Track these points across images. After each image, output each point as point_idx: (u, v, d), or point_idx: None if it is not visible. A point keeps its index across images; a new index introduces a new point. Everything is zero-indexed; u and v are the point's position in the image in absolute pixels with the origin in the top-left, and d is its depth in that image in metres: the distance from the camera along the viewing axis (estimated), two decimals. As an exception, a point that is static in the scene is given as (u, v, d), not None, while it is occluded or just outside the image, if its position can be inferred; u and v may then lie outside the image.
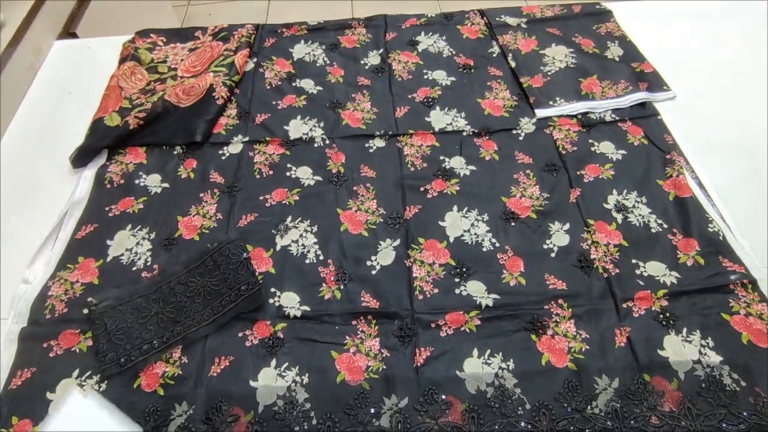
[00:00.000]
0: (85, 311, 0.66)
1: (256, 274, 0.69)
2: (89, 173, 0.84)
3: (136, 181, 0.82)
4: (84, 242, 0.75)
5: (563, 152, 0.84)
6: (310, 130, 0.89)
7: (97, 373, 0.62)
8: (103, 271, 0.71)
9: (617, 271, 0.69)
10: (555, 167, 0.82)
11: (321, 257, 0.72)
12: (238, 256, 0.69)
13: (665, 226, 0.74)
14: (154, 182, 0.82)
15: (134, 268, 0.72)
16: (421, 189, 0.80)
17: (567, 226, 0.74)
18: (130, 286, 0.69)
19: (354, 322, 0.66)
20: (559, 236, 0.73)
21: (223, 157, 0.85)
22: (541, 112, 0.90)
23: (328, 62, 1.01)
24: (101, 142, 0.86)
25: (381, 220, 0.76)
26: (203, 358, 0.63)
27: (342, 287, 0.69)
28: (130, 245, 0.74)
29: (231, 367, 0.62)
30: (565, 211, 0.76)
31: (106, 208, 0.79)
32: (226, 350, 0.64)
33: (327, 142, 0.87)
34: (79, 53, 1.07)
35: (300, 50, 1.04)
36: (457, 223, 0.75)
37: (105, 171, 0.84)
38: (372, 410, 0.58)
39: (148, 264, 0.72)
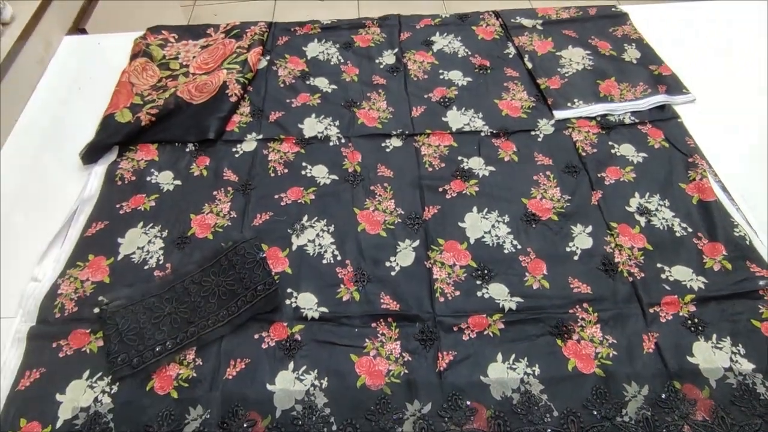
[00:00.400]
0: (96, 310, 0.64)
1: (273, 274, 0.67)
2: (100, 170, 0.82)
3: (148, 178, 0.81)
4: (94, 240, 0.73)
5: (583, 154, 0.82)
6: (326, 128, 0.87)
7: (108, 375, 0.59)
8: (114, 270, 0.69)
9: (642, 275, 0.68)
10: (575, 169, 0.80)
11: (338, 257, 0.70)
12: (254, 255, 0.67)
13: (690, 230, 0.72)
14: (166, 179, 0.81)
15: (146, 267, 0.70)
16: (440, 189, 0.78)
17: (589, 228, 0.73)
18: (143, 285, 0.67)
19: (373, 325, 0.64)
20: (581, 239, 0.72)
21: (237, 155, 0.84)
22: (559, 114, 0.88)
23: (342, 61, 1.00)
24: (112, 138, 0.84)
25: (399, 220, 0.74)
26: (218, 360, 0.61)
27: (361, 288, 0.67)
28: (141, 243, 0.72)
29: (247, 369, 0.60)
30: (586, 213, 0.75)
31: (117, 206, 0.77)
32: (241, 352, 0.62)
33: (343, 141, 0.85)
34: (89, 49, 1.06)
35: (313, 49, 1.02)
36: (477, 224, 0.74)
37: (116, 167, 0.82)
38: (394, 416, 0.56)
39: (161, 263, 0.70)
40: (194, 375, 0.60)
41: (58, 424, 0.56)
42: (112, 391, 0.58)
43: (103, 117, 0.88)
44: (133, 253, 0.71)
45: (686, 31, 1.05)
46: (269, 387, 0.59)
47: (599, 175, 0.79)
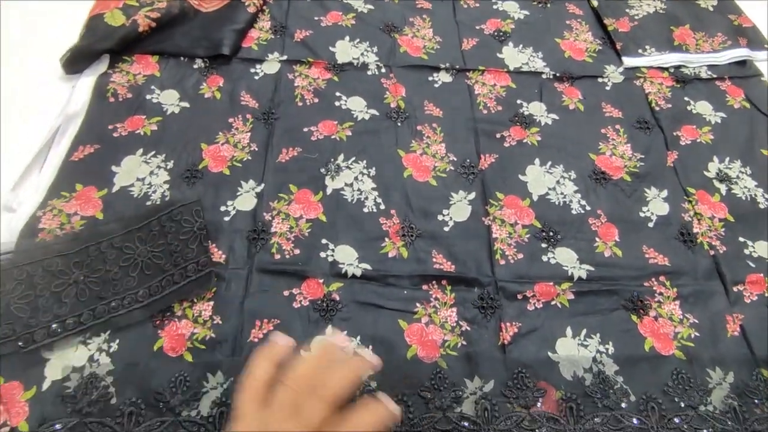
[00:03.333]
0: None
1: (209, 251, 0.53)
2: (87, 82, 0.67)
3: (148, 97, 0.66)
4: (82, 166, 0.60)
5: (656, 108, 0.72)
6: (362, 54, 0.74)
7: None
8: (108, 204, 0.57)
9: (724, 248, 0.60)
10: (648, 125, 0.71)
11: (382, 207, 0.59)
12: (192, 225, 0.54)
13: (774, 202, 0.64)
14: (170, 100, 0.67)
15: (148, 203, 0.58)
16: (497, 136, 0.67)
17: (665, 193, 0.64)
18: (46, 241, 0.52)
19: (425, 287, 0.54)
20: (656, 204, 0.63)
21: (257, 77, 0.70)
22: (629, 61, 0.77)
23: (378, -23, 0.85)
24: (101, 44, 0.69)
25: (452, 167, 0.64)
26: (241, 319, 0.51)
27: (409, 244, 0.57)
28: (142, 174, 0.60)
29: (276, 331, 0.50)
30: (662, 175, 0.66)
31: (110, 127, 0.63)
32: (269, 311, 0.52)
33: (383, 70, 0.72)
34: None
35: (344, -40, 0.86)
36: (541, 178, 0.64)
37: (107, 81, 0.67)
38: (452, 394, 0.48)
39: (167, 199, 0.58)
40: (212, 335, 0.50)
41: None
42: (111, 350, 0.48)
43: (89, 18, 0.72)
44: (132, 185, 0.59)
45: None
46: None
47: (674, 134, 0.70)
